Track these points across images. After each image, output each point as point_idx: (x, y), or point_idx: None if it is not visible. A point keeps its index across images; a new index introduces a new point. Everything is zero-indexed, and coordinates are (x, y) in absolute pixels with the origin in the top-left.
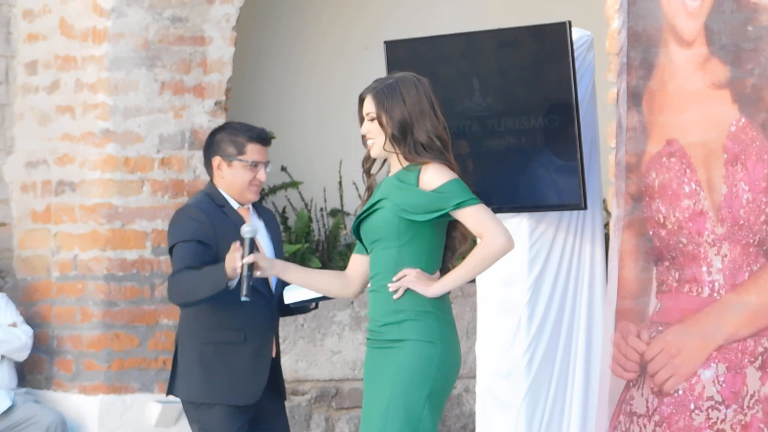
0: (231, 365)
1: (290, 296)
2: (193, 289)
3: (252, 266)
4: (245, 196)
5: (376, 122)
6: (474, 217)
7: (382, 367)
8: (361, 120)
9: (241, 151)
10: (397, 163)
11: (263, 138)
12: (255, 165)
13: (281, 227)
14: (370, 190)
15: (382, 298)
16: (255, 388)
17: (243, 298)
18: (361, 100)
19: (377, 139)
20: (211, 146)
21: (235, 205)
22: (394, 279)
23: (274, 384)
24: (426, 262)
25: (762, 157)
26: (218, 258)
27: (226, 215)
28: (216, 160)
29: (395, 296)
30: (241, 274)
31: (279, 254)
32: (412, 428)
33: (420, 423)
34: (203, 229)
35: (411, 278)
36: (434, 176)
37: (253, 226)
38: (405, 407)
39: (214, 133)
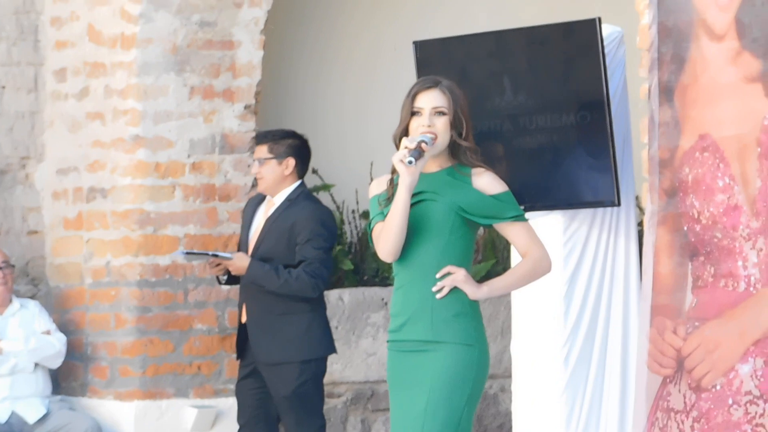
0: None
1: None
2: None
3: (419, 145)
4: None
5: (445, 117)
6: (525, 233)
7: (415, 370)
8: (410, 114)
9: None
10: (435, 162)
11: (257, 137)
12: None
13: None
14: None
15: (417, 294)
16: (237, 347)
17: (408, 160)
18: (413, 94)
19: (443, 135)
20: None
21: (269, 197)
22: (437, 276)
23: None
24: (468, 261)
25: None
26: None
27: (258, 205)
28: None
29: (439, 295)
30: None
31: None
32: (452, 431)
33: (459, 426)
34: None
35: (460, 277)
36: (493, 182)
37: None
38: (445, 411)
39: None
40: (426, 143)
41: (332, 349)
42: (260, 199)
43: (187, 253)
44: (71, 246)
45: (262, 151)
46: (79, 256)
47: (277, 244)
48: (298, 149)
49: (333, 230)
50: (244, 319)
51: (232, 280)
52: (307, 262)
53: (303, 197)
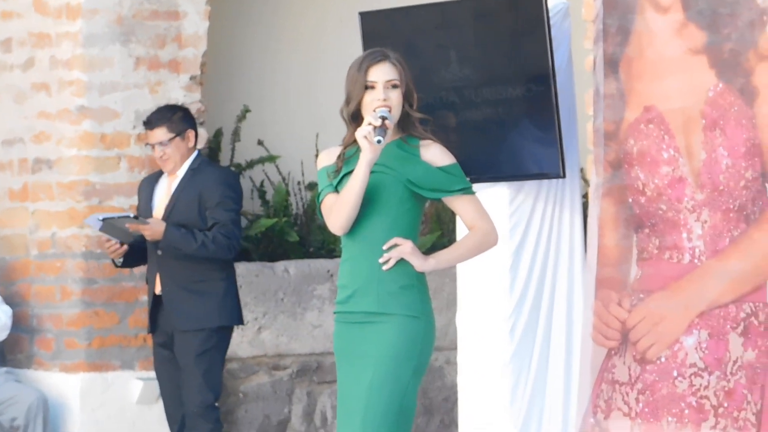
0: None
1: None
2: None
3: (383, 123)
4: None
5: (398, 90)
6: (472, 206)
7: (361, 341)
8: (363, 89)
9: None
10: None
11: (149, 123)
12: (152, 146)
13: (259, 201)
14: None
15: (365, 266)
16: (149, 319)
17: (377, 139)
18: (365, 68)
19: (397, 108)
20: None
21: (167, 173)
22: (384, 248)
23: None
24: (415, 234)
25: (741, 122)
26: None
27: (155, 182)
28: None
29: (386, 266)
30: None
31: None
32: (396, 404)
33: (404, 398)
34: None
35: (407, 249)
36: (441, 154)
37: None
38: (391, 383)
39: None
40: (387, 119)
41: (242, 320)
42: (157, 176)
43: (104, 220)
44: (17, 217)
45: (161, 133)
46: (24, 228)
47: (188, 213)
48: (190, 119)
49: (240, 192)
50: (158, 290)
51: (127, 262)
52: (220, 224)
53: (205, 164)
